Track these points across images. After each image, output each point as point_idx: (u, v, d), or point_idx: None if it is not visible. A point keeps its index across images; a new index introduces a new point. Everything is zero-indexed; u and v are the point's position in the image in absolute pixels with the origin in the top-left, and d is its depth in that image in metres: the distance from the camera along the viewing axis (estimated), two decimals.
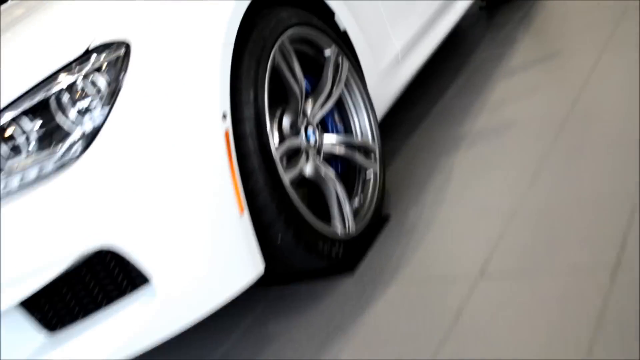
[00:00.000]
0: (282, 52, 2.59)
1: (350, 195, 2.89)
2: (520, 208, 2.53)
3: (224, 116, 2.20)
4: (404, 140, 3.78)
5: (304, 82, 2.68)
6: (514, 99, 3.62)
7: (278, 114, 2.69)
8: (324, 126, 2.97)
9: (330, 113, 2.96)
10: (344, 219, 2.71)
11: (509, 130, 3.26)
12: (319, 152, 2.81)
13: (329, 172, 2.73)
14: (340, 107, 3.03)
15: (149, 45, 2.15)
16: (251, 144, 2.29)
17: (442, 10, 4.14)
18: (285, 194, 2.38)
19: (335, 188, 2.71)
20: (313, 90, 2.87)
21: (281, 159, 2.46)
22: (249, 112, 2.30)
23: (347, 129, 3.04)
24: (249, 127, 2.30)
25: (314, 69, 2.91)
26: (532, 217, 2.47)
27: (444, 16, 4.18)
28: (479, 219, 2.64)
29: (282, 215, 2.35)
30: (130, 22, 2.18)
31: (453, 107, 3.93)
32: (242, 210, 2.24)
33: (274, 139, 2.37)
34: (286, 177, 2.42)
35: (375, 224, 2.90)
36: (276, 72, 2.57)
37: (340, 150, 2.87)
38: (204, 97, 2.17)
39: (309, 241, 2.46)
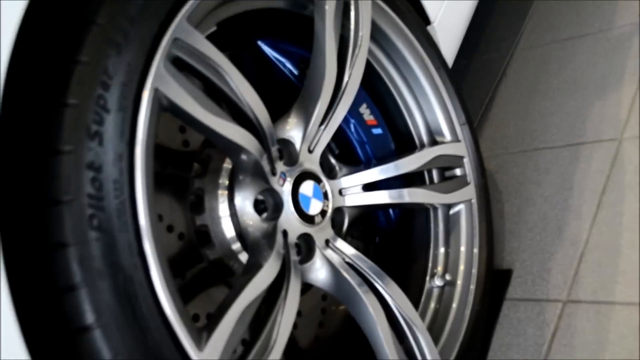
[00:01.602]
0: (183, 50, 1.03)
1: (421, 278, 1.42)
2: None
3: None
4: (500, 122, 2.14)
5: (257, 103, 1.14)
6: None
7: (222, 182, 1.21)
8: (340, 151, 1.45)
9: (353, 109, 1.40)
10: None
11: None
12: (336, 223, 1.32)
13: (362, 265, 1.27)
14: (374, 86, 1.47)
15: None
16: None
17: None
18: None
19: (385, 294, 1.26)
20: (295, 88, 1.31)
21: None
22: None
23: (394, 127, 1.49)
24: None
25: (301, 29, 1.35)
26: None
27: None
28: None
29: None
30: None
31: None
32: None
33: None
34: None
35: (487, 302, 1.43)
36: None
37: (382, 197, 1.35)
38: None
39: None
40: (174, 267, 1.19)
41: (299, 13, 1.30)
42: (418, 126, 1.47)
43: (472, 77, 2.12)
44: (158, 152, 1.22)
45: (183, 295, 1.20)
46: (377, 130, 1.44)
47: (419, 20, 1.46)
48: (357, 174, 1.33)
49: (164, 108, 0.99)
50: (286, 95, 1.39)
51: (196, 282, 1.21)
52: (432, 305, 1.42)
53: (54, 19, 0.94)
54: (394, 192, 1.35)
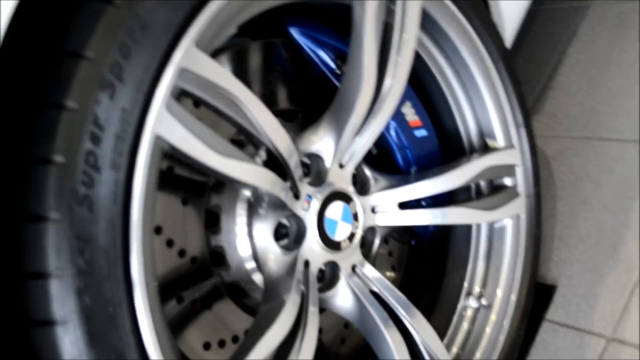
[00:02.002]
0: (190, 82, 0.89)
1: (455, 294, 1.31)
2: None
3: None
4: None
5: (279, 131, 1.00)
6: None
7: (241, 200, 1.09)
8: (377, 154, 1.30)
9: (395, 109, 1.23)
10: None
11: None
12: (365, 242, 1.21)
13: (388, 295, 1.16)
14: (421, 79, 1.30)
15: None
16: None
17: None
18: None
19: (410, 327, 1.16)
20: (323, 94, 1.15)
21: None
22: None
23: (441, 127, 1.33)
24: None
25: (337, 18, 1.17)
26: None
27: None
28: None
29: None
30: None
31: None
32: None
33: None
34: None
35: (525, 328, 1.33)
36: None
37: (419, 217, 1.22)
38: None
39: None
40: (183, 290, 1.10)
41: (335, 2, 1.12)
42: (468, 127, 1.31)
43: (538, 31, 1.88)
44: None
45: (192, 319, 1.12)
46: (420, 133, 1.28)
47: (477, 4, 1.26)
48: (393, 191, 1.19)
49: (165, 153, 0.86)
50: (320, 91, 1.24)
51: (208, 306, 1.12)
52: (465, 326, 1.31)
53: (33, 52, 0.80)
54: (432, 211, 1.21)
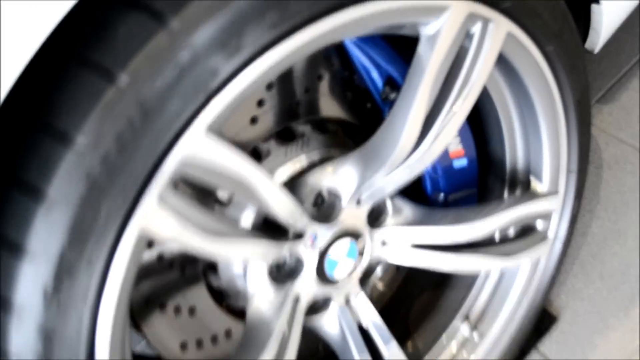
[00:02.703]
0: (192, 167, 0.78)
1: (450, 314, 1.29)
2: None
3: None
4: None
5: (289, 208, 0.90)
6: None
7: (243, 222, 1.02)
8: None
9: None
10: None
11: None
12: (368, 269, 1.16)
13: (373, 328, 1.15)
14: (478, 104, 1.14)
15: None
16: None
17: None
18: None
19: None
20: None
21: None
22: None
23: (486, 153, 1.20)
24: None
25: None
26: None
27: None
28: None
29: None
30: None
31: None
32: None
33: None
34: None
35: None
36: None
37: (431, 261, 1.14)
38: None
39: None
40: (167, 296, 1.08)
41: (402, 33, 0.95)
42: (516, 161, 1.17)
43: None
44: None
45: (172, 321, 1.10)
46: (459, 163, 1.15)
47: (569, 49, 1.06)
48: (410, 229, 1.10)
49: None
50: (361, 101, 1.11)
51: (191, 310, 1.10)
52: (453, 346, 1.30)
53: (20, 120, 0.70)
54: (446, 256, 1.13)
